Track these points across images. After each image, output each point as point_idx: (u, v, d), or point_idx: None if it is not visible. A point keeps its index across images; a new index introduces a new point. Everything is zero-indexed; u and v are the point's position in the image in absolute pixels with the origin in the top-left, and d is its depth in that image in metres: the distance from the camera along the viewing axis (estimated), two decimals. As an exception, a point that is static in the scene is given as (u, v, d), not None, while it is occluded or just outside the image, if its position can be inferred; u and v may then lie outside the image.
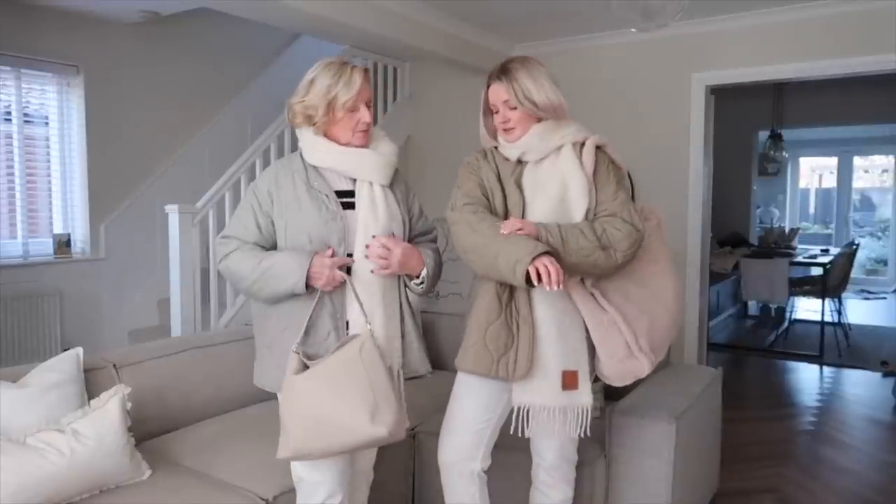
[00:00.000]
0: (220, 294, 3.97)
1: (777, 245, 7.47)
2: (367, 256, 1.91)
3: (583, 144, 2.03)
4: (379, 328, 1.90)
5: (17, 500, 1.83)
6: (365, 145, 1.97)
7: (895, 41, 3.97)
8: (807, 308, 7.62)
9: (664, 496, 2.40)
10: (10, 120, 4.26)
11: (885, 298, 9.54)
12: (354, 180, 1.96)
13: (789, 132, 8.01)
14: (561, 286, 1.75)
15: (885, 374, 5.44)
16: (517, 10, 4.30)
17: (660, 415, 2.43)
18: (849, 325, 6.80)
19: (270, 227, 1.95)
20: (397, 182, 2.06)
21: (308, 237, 1.90)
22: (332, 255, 1.88)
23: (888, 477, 3.57)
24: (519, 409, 1.99)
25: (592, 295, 2.00)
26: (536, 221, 1.92)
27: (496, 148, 2.10)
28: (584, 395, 1.99)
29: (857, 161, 10.93)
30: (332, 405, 1.77)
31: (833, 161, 10.96)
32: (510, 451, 2.20)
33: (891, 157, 10.66)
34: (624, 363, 1.99)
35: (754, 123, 8.00)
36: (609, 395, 2.68)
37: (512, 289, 1.97)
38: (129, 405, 2.13)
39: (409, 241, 2.04)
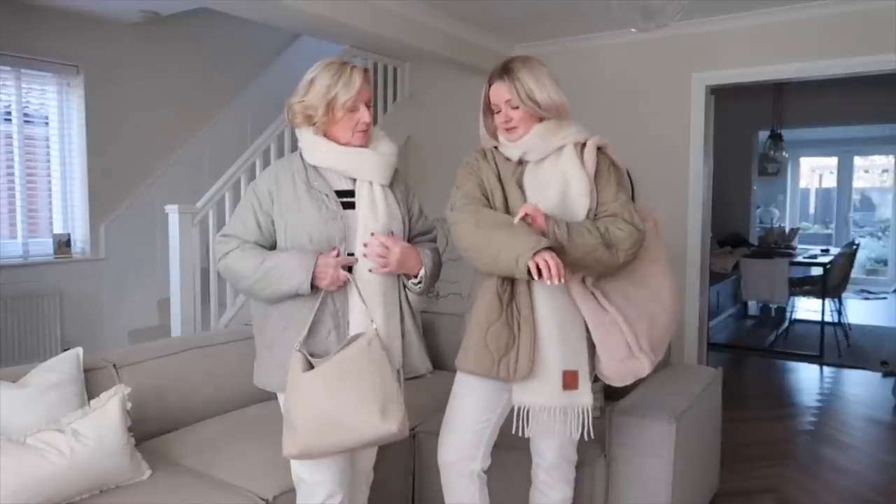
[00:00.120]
0: (220, 294, 3.97)
1: (777, 245, 7.46)
2: (365, 255, 1.91)
3: (584, 145, 2.03)
4: (379, 327, 1.90)
5: (17, 500, 1.83)
6: (365, 145, 1.97)
7: (895, 41, 3.97)
8: (807, 308, 7.62)
9: (664, 496, 2.41)
10: (10, 120, 4.25)
11: (885, 298, 9.54)
12: (354, 180, 1.96)
13: (789, 132, 8.00)
14: (562, 280, 1.75)
15: (885, 374, 5.44)
16: (517, 10, 4.30)
17: (660, 415, 2.43)
18: (849, 325, 6.80)
19: (271, 226, 1.95)
20: (397, 182, 2.06)
21: (308, 237, 1.90)
22: (337, 255, 1.88)
23: (888, 477, 3.57)
24: (519, 408, 2.00)
25: (593, 295, 2.00)
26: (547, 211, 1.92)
27: (496, 148, 2.10)
28: (585, 395, 1.99)
29: (858, 161, 10.94)
30: (342, 402, 1.77)
31: (833, 161, 10.96)
32: (510, 451, 2.20)
33: (891, 157, 10.67)
34: (625, 363, 2.00)
35: (754, 123, 7.99)
36: (609, 395, 2.68)
37: (513, 289, 1.97)
38: (129, 405, 2.13)
39: (409, 240, 2.04)
